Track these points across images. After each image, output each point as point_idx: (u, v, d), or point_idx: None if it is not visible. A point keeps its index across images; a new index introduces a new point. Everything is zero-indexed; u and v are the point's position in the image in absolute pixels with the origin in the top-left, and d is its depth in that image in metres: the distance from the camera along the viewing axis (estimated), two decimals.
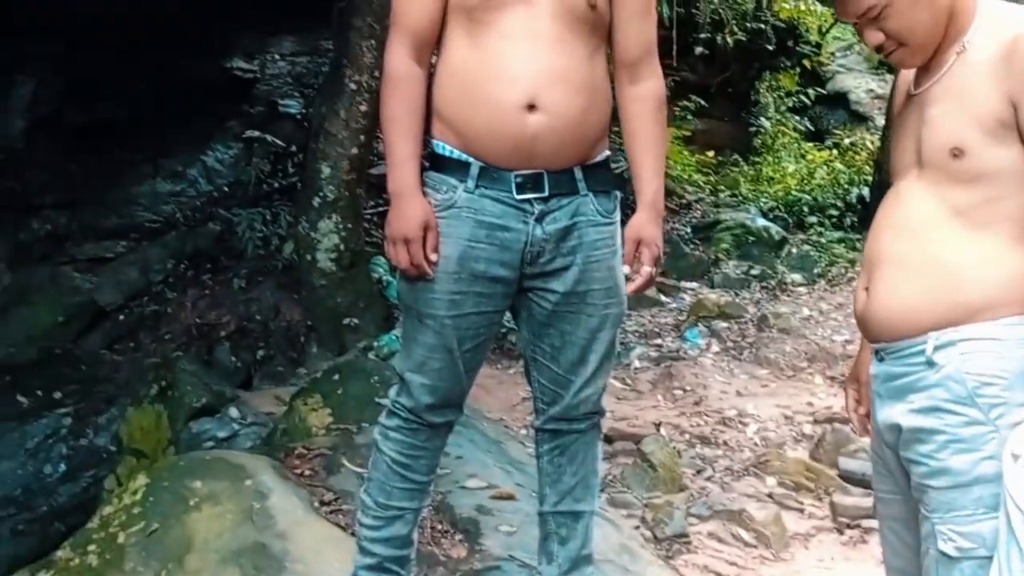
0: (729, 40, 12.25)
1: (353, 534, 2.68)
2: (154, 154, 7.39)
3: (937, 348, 1.88)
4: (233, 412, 4.97)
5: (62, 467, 5.75)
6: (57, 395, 6.05)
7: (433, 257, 2.33)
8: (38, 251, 6.70)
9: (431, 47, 2.41)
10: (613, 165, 2.54)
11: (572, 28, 2.33)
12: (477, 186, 2.35)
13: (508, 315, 2.55)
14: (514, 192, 2.35)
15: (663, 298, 7.64)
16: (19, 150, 6.67)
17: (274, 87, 8.27)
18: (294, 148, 7.80)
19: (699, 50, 12.93)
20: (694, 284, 8.18)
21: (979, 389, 1.83)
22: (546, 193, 2.37)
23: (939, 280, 1.90)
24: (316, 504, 3.21)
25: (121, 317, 6.73)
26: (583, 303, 2.45)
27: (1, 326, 6.43)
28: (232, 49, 7.81)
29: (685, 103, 11.58)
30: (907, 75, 2.10)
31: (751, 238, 9.22)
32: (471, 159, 2.35)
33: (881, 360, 2.01)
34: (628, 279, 2.46)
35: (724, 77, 13.24)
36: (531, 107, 2.28)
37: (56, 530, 5.17)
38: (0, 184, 6.56)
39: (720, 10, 12.17)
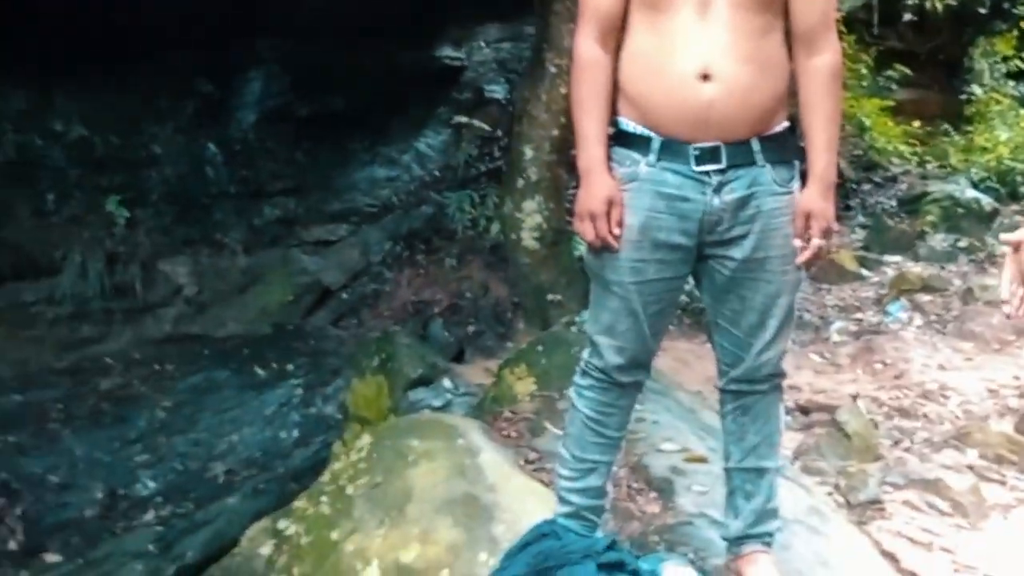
0: (939, 5, 11.83)
1: (553, 488, 2.93)
2: (372, 141, 7.85)
3: None
4: (446, 383, 5.34)
5: (295, 433, 6.22)
6: (289, 367, 6.57)
7: (617, 231, 2.50)
8: (270, 234, 7.27)
9: (616, 32, 2.57)
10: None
11: (744, 5, 2.46)
12: (659, 159, 2.50)
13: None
14: (692, 164, 2.49)
15: (864, 272, 7.57)
16: (251, 141, 7.24)
17: (480, 73, 8.63)
18: (499, 132, 8.12)
19: (907, 17, 12.53)
20: (898, 257, 8.02)
21: None
22: (723, 164, 2.49)
23: None
24: (521, 462, 3.48)
25: (344, 295, 7.26)
26: (761, 269, 2.56)
27: (239, 304, 7.04)
28: (441, 39, 8.19)
29: (890, 73, 11.27)
30: None
31: (960, 210, 8.93)
32: (652, 134, 2.50)
33: None
34: (797, 252, 2.55)
35: (934, 44, 12.79)
36: (705, 77, 2.42)
37: (291, 489, 5.66)
38: (235, 173, 7.16)
39: None
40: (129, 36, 6.28)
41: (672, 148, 2.51)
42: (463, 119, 8.24)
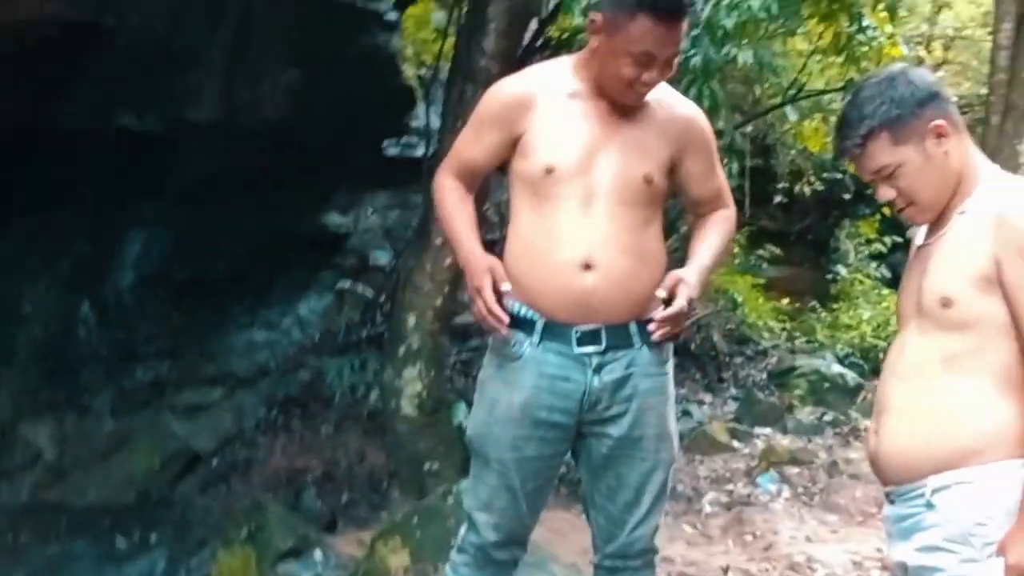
0: (807, 190, 12.50)
1: None
2: (252, 305, 7.80)
3: (935, 491, 2.06)
4: (317, 555, 5.21)
5: None
6: (153, 538, 6.34)
7: (505, 287, 2.57)
8: (140, 398, 7.08)
9: (474, 182, 2.77)
10: None
11: (627, 201, 2.62)
12: (542, 340, 2.61)
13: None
14: (574, 346, 2.60)
15: (736, 444, 7.73)
16: (127, 302, 7.12)
17: (366, 240, 8.72)
18: (382, 298, 8.16)
19: (778, 199, 13.21)
20: (767, 430, 8.24)
21: (973, 529, 2.00)
22: (603, 346, 2.61)
23: (935, 426, 2.08)
24: None
25: (215, 462, 7.07)
26: (637, 447, 2.66)
27: (102, 470, 6.79)
28: (328, 204, 8.27)
29: (761, 252, 11.79)
30: (921, 229, 2.32)
31: (826, 384, 9.29)
32: (536, 317, 2.61)
33: (892, 502, 2.19)
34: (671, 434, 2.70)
35: (804, 225, 13.46)
36: (587, 266, 2.56)
37: None
38: (108, 335, 7.01)
39: (798, 161, 12.46)
40: (10, 192, 6.22)
41: (555, 330, 2.61)
42: (346, 284, 8.28)
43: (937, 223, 2.21)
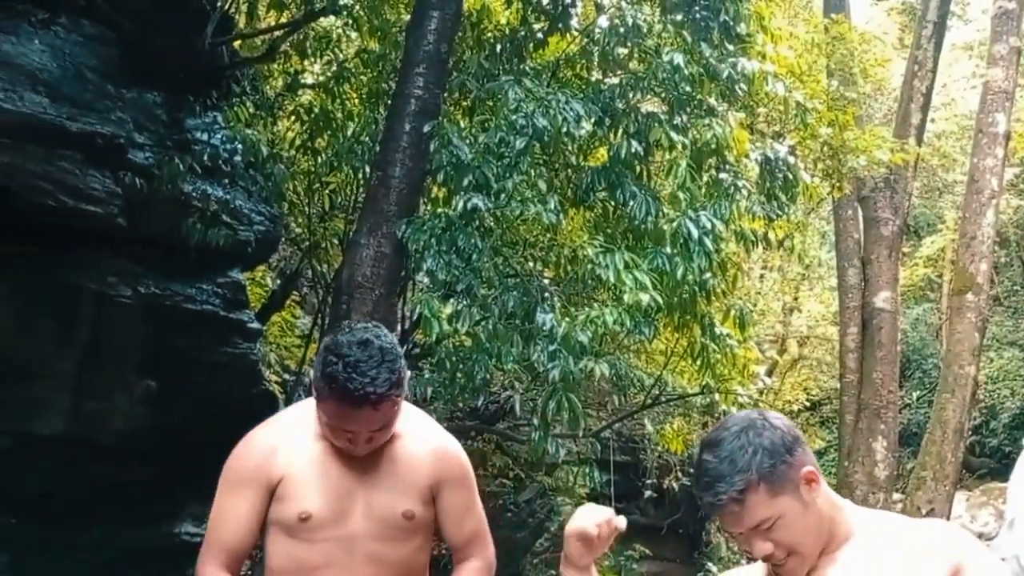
0: (675, 484, 12.62)
1: None
2: None
3: None
4: None
5: None
6: None
7: None
8: None
9: (244, 558, 2.61)
10: None
11: (388, 536, 2.59)
12: None
13: None
14: None
15: None
16: None
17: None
18: None
19: (648, 494, 13.31)
20: None
21: None
22: None
23: None
24: None
25: None
26: None
27: None
28: (182, 513, 7.92)
29: (631, 552, 11.69)
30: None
31: None
32: None
33: None
34: None
35: (674, 519, 13.48)
36: None
37: None
38: None
39: (665, 456, 12.63)
40: None
41: None
42: None
43: (821, 565, 2.11)
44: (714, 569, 13.25)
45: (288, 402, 7.80)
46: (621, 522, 2.21)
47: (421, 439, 2.74)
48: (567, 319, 6.09)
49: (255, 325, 7.29)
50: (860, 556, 2.10)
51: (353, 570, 2.52)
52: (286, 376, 8.30)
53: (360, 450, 2.57)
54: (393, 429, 2.61)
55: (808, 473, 2.10)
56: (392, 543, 2.58)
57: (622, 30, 6.87)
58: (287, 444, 2.63)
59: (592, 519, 2.17)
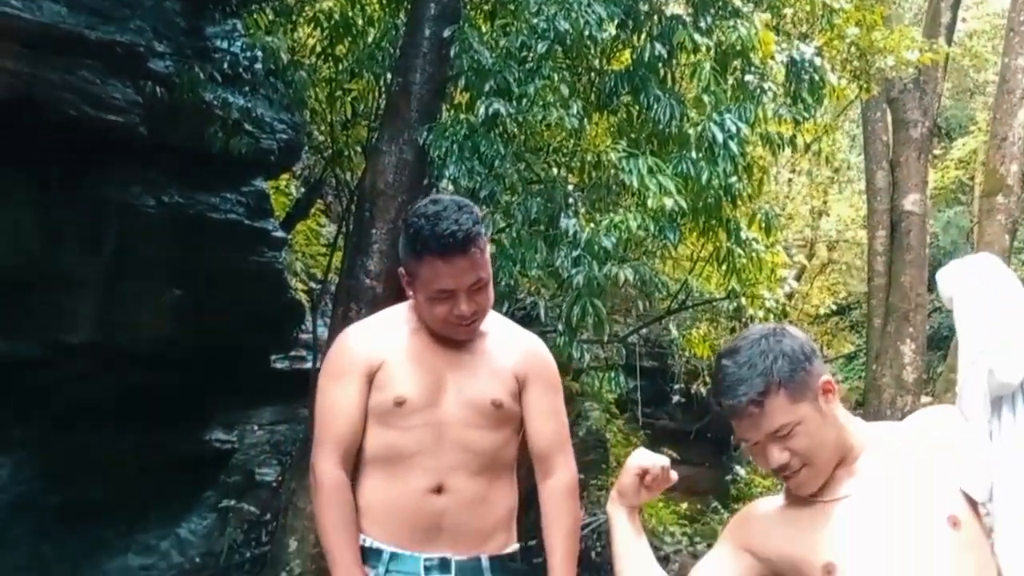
0: (703, 389, 12.65)
1: None
2: (128, 528, 7.45)
3: None
4: None
5: None
6: None
7: None
8: None
9: (355, 450, 2.62)
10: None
11: (477, 424, 2.60)
12: (387, 571, 2.52)
13: None
14: (421, 573, 2.51)
15: None
16: None
17: (251, 456, 8.47)
18: (268, 516, 7.89)
19: (676, 399, 13.35)
20: None
21: None
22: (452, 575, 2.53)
23: None
24: None
25: None
26: None
27: None
28: (212, 421, 8.07)
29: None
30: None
31: None
32: (383, 546, 2.53)
33: None
34: None
35: (702, 424, 13.54)
36: (437, 490, 2.53)
37: None
38: None
39: (693, 362, 12.66)
40: None
41: (402, 558, 2.53)
42: (230, 503, 8.00)
43: (842, 477, 2.11)
44: (743, 472, 13.36)
45: (314, 310, 7.87)
46: (674, 474, 2.26)
47: (510, 335, 2.81)
48: (591, 225, 6.06)
49: (280, 234, 7.32)
50: (876, 465, 2.10)
51: (442, 456, 2.57)
52: (312, 284, 8.35)
53: (466, 314, 2.61)
54: (489, 299, 2.67)
55: (826, 383, 2.11)
56: (481, 431, 2.61)
57: None
58: (383, 335, 2.71)
59: (653, 460, 2.22)
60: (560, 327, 6.40)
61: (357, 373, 2.64)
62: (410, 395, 2.58)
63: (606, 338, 7.11)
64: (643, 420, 12.51)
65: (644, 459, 2.22)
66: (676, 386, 13.27)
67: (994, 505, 2.01)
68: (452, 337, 2.66)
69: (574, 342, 6.35)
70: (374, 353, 2.65)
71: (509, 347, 2.76)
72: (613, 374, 7.75)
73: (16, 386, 6.16)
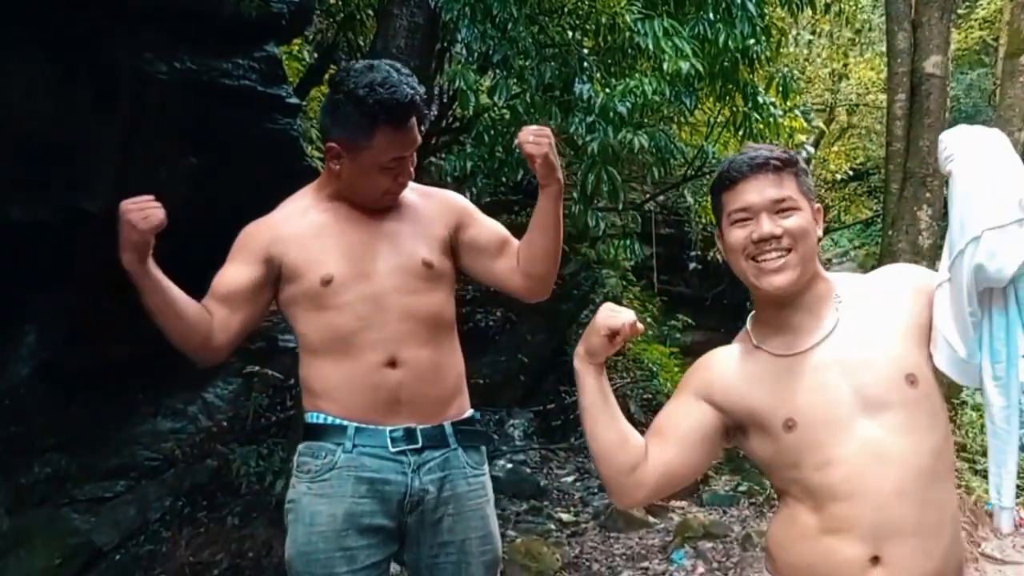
0: (719, 256, 12.68)
1: None
2: (155, 392, 7.62)
3: None
4: None
5: None
6: None
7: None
8: (38, 493, 6.85)
9: (223, 309, 2.75)
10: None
11: (412, 288, 2.66)
12: (355, 445, 2.59)
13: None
14: (389, 445, 2.59)
15: (651, 519, 7.70)
16: (23, 395, 6.91)
17: (275, 322, 8.59)
18: (292, 381, 8.04)
19: (692, 265, 13.40)
20: (683, 503, 8.24)
21: None
22: (419, 444, 2.62)
23: (949, 546, 2.04)
24: None
25: (117, 557, 6.84)
26: (461, 551, 2.67)
27: None
28: None
29: (674, 322, 11.90)
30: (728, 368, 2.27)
31: (741, 451, 9.32)
32: (346, 422, 2.60)
33: None
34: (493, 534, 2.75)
35: (718, 290, 13.63)
36: (391, 364, 2.61)
37: None
38: (4, 429, 6.79)
39: (709, 229, 12.66)
40: None
41: (367, 432, 2.61)
42: (255, 368, 8.14)
43: (807, 327, 2.15)
44: None
45: None
46: (640, 326, 2.25)
47: (423, 195, 2.85)
48: (606, 90, 6.00)
49: (294, 100, 7.25)
50: (839, 317, 2.16)
51: (387, 328, 2.61)
52: None
53: (407, 181, 2.69)
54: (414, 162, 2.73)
55: (818, 206, 2.22)
56: (418, 295, 2.66)
57: None
58: (286, 224, 2.73)
59: (620, 317, 2.21)
60: (575, 195, 6.40)
61: (252, 263, 2.71)
62: (336, 271, 2.62)
63: (621, 206, 7.10)
64: (659, 287, 12.60)
65: (613, 320, 2.21)
66: (692, 253, 13.31)
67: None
68: (377, 207, 2.70)
69: (589, 209, 6.36)
70: (275, 245, 2.68)
71: (427, 205, 2.80)
72: (629, 242, 7.77)
73: (38, 253, 6.23)
